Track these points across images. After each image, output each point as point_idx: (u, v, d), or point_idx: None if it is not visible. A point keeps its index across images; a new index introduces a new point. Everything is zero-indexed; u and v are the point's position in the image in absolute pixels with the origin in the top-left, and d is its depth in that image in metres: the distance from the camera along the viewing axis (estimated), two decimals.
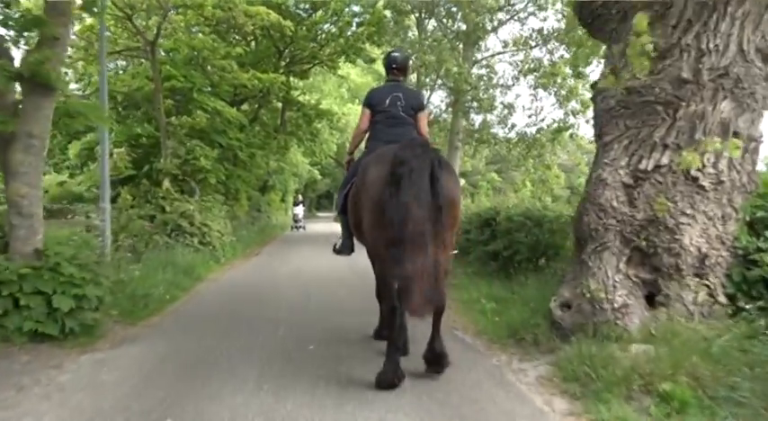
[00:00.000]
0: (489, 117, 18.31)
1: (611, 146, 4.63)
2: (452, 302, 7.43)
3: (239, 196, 19.95)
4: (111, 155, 13.13)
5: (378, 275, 4.40)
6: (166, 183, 12.23)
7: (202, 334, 5.61)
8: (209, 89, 14.92)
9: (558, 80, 16.63)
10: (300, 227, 25.36)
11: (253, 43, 19.87)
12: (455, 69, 16.06)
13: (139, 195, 11.90)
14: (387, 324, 4.27)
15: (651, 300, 4.44)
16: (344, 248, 5.01)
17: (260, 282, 9.59)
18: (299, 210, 26.31)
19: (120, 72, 14.41)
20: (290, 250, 15.88)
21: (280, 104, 22.75)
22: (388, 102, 4.80)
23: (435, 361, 4.15)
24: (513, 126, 17.98)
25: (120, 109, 14.71)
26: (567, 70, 16.22)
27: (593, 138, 5.50)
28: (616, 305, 4.32)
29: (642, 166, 4.42)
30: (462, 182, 14.69)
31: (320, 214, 52.41)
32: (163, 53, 14.81)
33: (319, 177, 40.75)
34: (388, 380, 3.83)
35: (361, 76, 35.99)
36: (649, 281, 4.44)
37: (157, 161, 12.54)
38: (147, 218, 11.05)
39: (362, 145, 5.23)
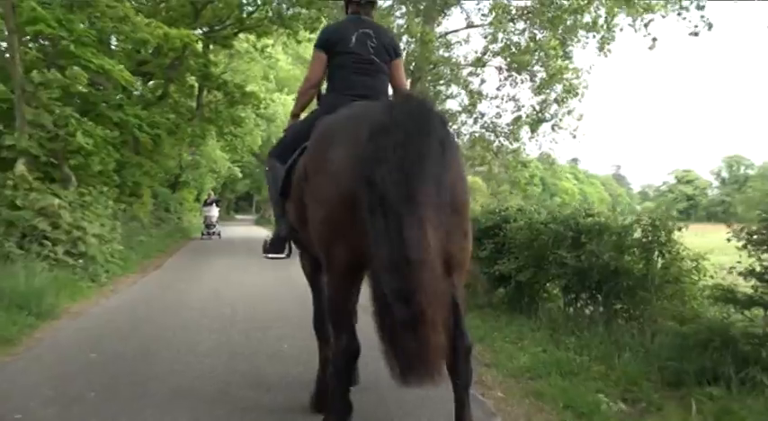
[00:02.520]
0: (450, 104, 15.43)
1: None
2: (483, 368, 4.45)
3: (141, 192, 16.06)
4: None
5: (329, 297, 2.71)
6: (21, 167, 8.43)
7: None
8: (98, 45, 11.09)
9: (536, 59, 13.87)
10: (214, 233, 19.62)
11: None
12: (417, 37, 13.14)
13: None
14: (334, 375, 2.61)
15: None
16: (278, 247, 3.53)
17: (153, 319, 6.08)
18: (214, 211, 20.22)
19: None
20: (204, 262, 12.17)
21: (196, 84, 18.91)
22: (354, 40, 3.41)
23: None
24: (482, 115, 15.02)
25: None
26: (552, 48, 13.47)
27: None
28: None
29: None
30: None
31: (239, 216, 48.52)
32: None
33: (240, 176, 36.70)
34: None
35: (291, 64, 32.40)
36: None
37: (9, 134, 8.68)
38: None
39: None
